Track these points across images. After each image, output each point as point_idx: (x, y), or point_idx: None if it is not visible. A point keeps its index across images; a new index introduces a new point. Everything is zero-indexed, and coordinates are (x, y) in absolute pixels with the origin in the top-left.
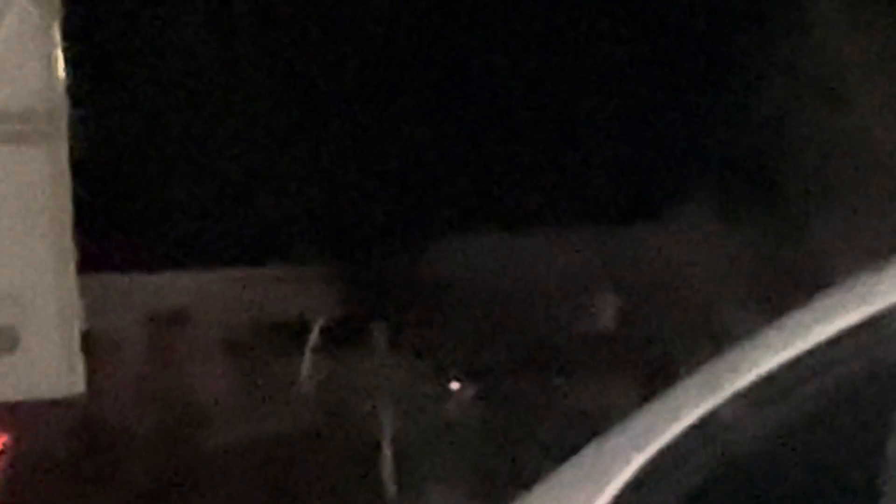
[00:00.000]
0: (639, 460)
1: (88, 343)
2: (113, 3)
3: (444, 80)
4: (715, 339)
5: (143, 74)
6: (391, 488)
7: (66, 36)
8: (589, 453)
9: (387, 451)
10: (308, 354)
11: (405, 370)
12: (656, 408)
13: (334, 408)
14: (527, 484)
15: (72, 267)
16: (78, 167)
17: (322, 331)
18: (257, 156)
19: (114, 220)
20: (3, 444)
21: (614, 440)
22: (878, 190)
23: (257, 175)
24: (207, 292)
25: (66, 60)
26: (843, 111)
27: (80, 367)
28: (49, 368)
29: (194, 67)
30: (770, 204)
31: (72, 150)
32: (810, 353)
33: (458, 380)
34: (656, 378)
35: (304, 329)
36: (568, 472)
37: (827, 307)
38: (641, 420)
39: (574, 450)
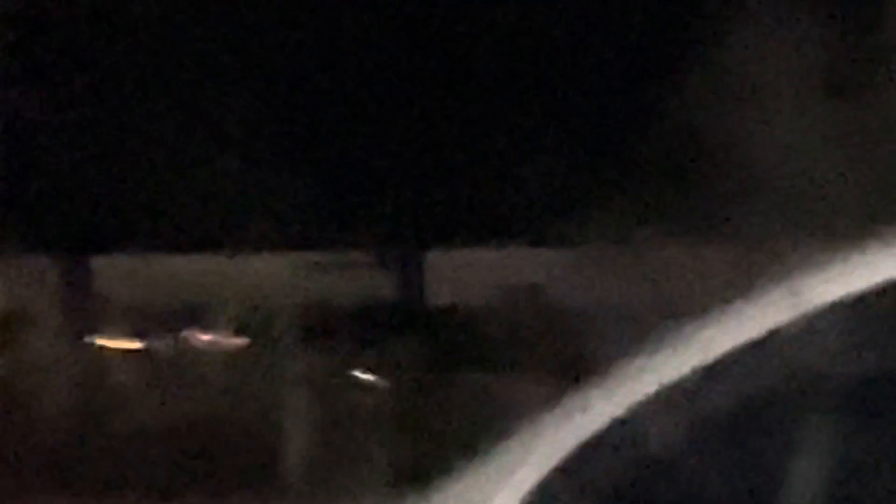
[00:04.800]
0: (552, 460)
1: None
2: None
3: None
4: (637, 338)
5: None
6: (299, 477)
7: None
8: (499, 452)
9: (295, 441)
10: (222, 341)
11: (316, 359)
12: (569, 407)
13: (244, 395)
14: (438, 478)
15: None
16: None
17: (236, 318)
18: (193, 138)
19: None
20: None
21: (524, 440)
22: (790, 193)
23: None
24: (123, 275)
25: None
26: (760, 113)
27: None
28: None
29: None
30: (688, 207)
31: None
32: (729, 356)
33: (368, 371)
34: (576, 377)
35: (218, 315)
36: (476, 472)
37: (747, 309)
38: (554, 420)
39: (486, 446)
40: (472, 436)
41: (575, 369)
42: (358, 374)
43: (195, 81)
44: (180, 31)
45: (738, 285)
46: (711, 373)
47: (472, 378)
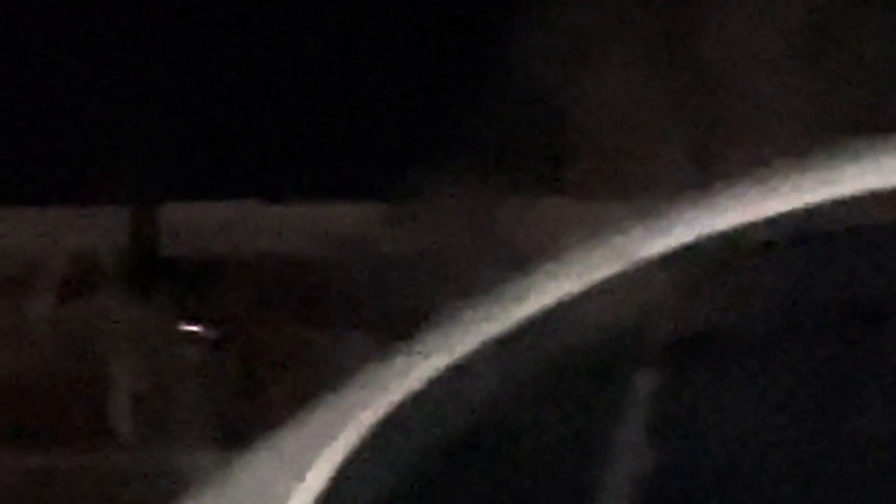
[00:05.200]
0: (372, 417)
1: None
2: None
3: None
4: (467, 292)
5: None
6: (125, 431)
7: None
8: (318, 409)
9: (120, 394)
10: (42, 292)
11: (139, 311)
12: (391, 362)
13: (67, 348)
14: (262, 434)
15: None
16: None
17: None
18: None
19: None
20: None
21: (343, 396)
22: (625, 150)
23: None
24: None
25: None
26: (596, 71)
27: None
28: None
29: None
30: (525, 163)
31: None
32: (552, 309)
33: (194, 322)
34: (403, 332)
35: (43, 268)
36: (294, 431)
37: (574, 263)
38: (375, 375)
39: (309, 403)
40: (297, 392)
41: (404, 324)
42: (185, 326)
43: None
44: None
45: (570, 240)
46: (535, 325)
47: (299, 332)
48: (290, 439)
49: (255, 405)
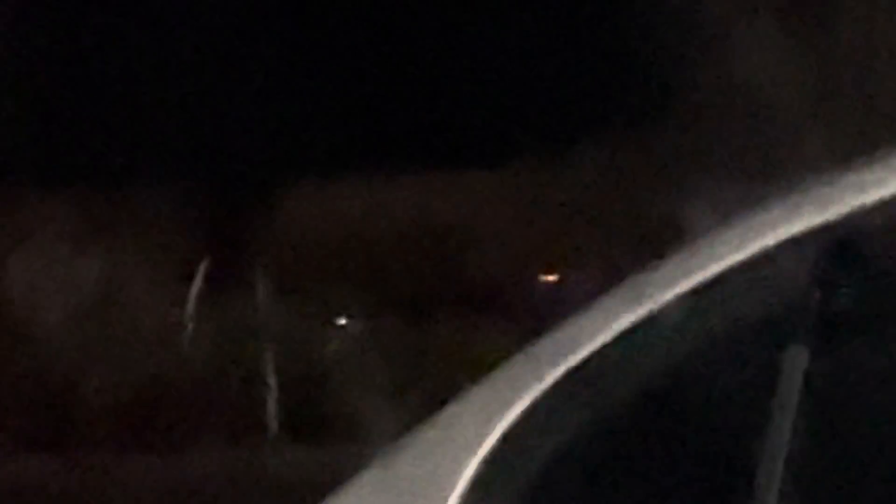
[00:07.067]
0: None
1: None
2: None
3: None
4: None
5: None
6: (276, 429)
7: None
8: (471, 396)
9: (272, 392)
10: (192, 298)
11: (288, 309)
12: (537, 350)
13: (219, 351)
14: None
15: None
16: None
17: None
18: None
19: None
20: None
21: (489, 388)
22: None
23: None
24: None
25: None
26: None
27: None
28: None
29: None
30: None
31: None
32: (695, 293)
33: (346, 317)
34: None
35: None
36: (442, 422)
37: (712, 245)
38: (527, 360)
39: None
40: (453, 383)
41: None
42: (334, 320)
43: None
44: None
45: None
46: (726, 281)
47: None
48: (425, 439)
49: (403, 395)
